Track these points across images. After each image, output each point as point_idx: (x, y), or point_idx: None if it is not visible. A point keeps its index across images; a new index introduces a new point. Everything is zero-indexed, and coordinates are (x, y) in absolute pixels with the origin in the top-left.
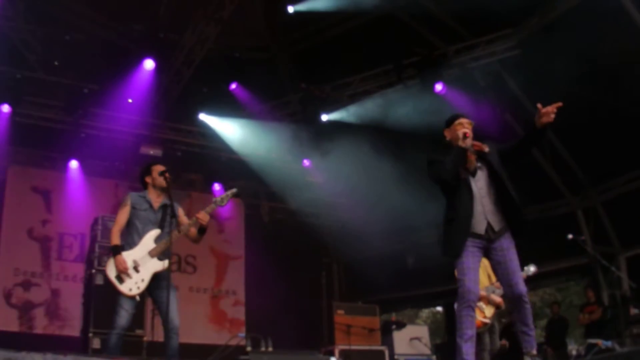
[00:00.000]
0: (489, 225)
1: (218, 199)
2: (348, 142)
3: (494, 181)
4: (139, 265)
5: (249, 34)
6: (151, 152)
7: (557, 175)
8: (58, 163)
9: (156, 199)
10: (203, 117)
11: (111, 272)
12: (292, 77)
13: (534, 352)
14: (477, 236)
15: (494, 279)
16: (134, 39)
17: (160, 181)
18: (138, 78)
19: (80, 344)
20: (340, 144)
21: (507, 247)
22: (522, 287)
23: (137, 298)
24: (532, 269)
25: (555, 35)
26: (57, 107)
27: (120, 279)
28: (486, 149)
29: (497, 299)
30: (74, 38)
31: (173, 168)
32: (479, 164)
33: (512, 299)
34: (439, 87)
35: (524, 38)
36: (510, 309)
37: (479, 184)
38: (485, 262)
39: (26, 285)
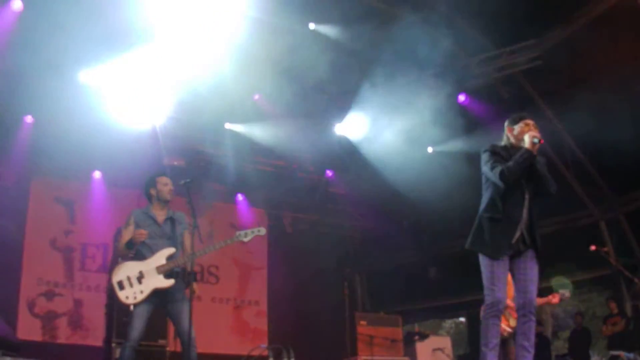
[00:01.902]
0: (522, 236)
1: (242, 233)
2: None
3: (532, 198)
4: (144, 277)
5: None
6: (175, 162)
7: (580, 186)
8: (81, 174)
9: (160, 213)
10: (229, 126)
11: (115, 276)
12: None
13: None
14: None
15: None
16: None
17: (165, 194)
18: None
19: (103, 354)
20: (362, 154)
21: (531, 256)
22: (535, 298)
23: (131, 308)
24: (567, 294)
25: (578, 45)
26: (81, 118)
27: (120, 285)
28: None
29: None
30: (97, 47)
31: (196, 178)
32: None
33: (522, 306)
34: (461, 97)
35: (547, 49)
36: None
37: (526, 192)
38: None
39: (49, 295)
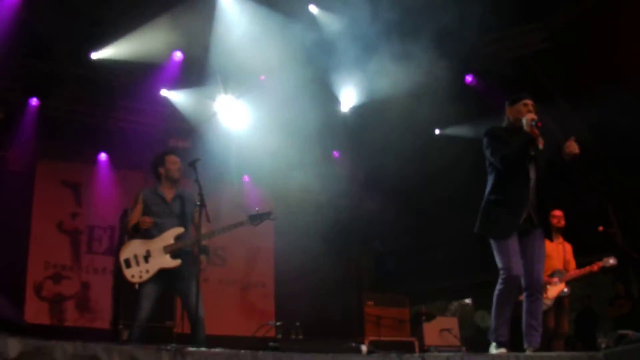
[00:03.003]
0: (529, 216)
1: (252, 216)
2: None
3: (539, 178)
4: (150, 256)
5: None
6: (180, 144)
7: (588, 168)
8: (87, 156)
9: (168, 191)
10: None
11: (122, 254)
12: None
13: (537, 347)
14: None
15: (572, 266)
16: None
17: (173, 172)
18: (167, 70)
19: (110, 336)
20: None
21: (539, 235)
22: (542, 277)
23: (136, 286)
24: (611, 261)
25: (588, 27)
26: (86, 100)
27: (127, 263)
28: (541, 145)
29: (557, 286)
30: (102, 30)
31: (202, 160)
32: (533, 153)
33: (529, 286)
34: (468, 79)
35: (557, 30)
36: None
37: (531, 173)
38: (567, 247)
39: (56, 278)
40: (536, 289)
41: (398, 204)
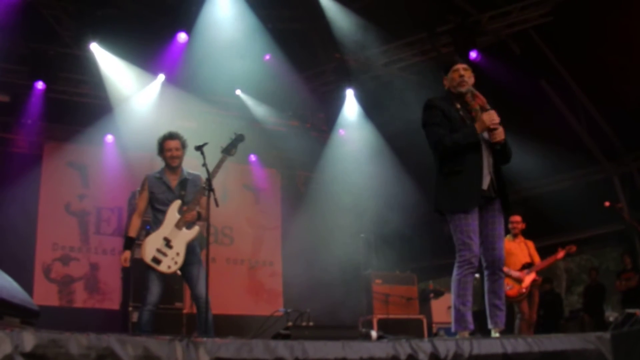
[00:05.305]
0: (492, 181)
1: (226, 148)
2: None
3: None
4: (171, 240)
5: (282, 5)
6: (186, 124)
7: (593, 141)
8: (94, 138)
9: (172, 177)
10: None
11: (146, 256)
12: (326, 47)
13: (502, 328)
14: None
15: (537, 259)
16: (166, 12)
17: (170, 160)
18: (172, 52)
19: (120, 318)
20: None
21: (499, 209)
22: (503, 255)
23: (179, 272)
24: (572, 248)
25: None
26: (92, 83)
27: (156, 261)
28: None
29: (529, 275)
30: (106, 13)
31: (209, 140)
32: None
33: (490, 264)
34: (473, 54)
35: (559, 3)
36: (487, 277)
37: (484, 134)
38: (529, 244)
39: (65, 259)
40: (498, 266)
41: (405, 178)
